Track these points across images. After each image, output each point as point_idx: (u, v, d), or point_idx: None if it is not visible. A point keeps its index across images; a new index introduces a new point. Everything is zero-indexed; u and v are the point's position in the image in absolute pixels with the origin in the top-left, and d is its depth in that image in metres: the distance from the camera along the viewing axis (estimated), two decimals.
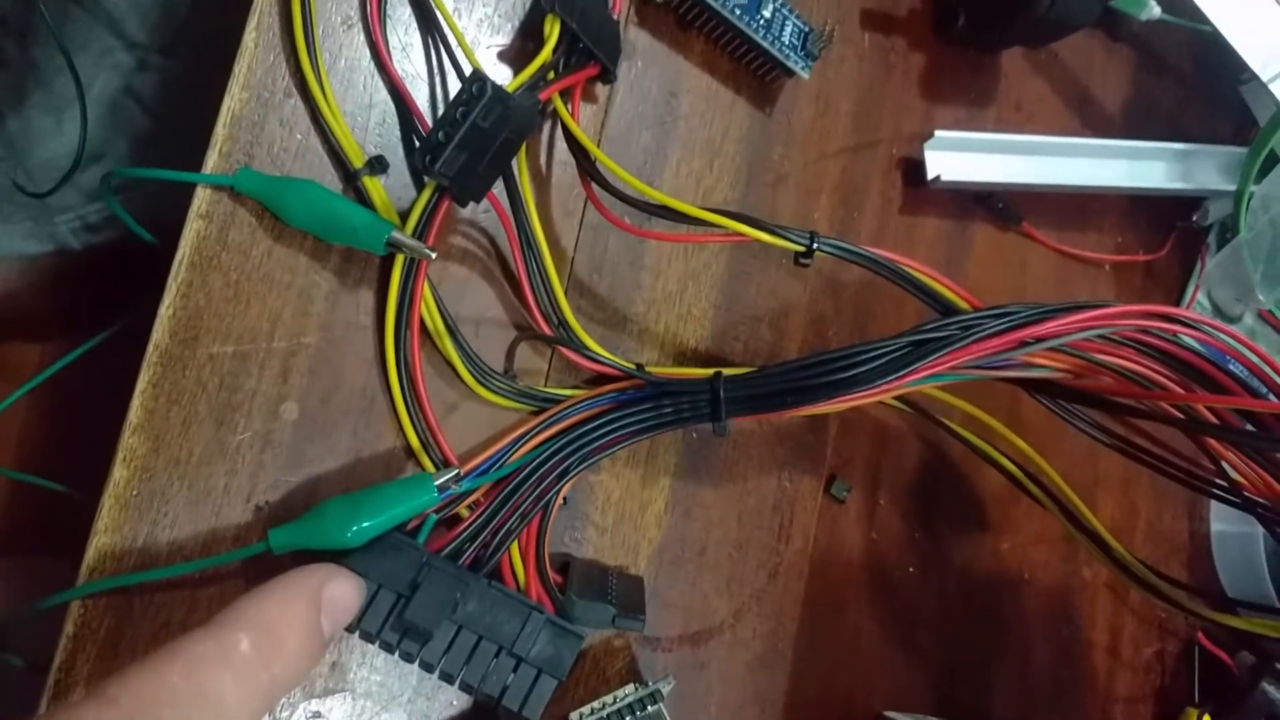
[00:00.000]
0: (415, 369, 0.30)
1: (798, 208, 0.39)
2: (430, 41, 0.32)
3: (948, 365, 0.30)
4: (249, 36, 0.29)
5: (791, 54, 0.37)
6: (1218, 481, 0.32)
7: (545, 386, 0.33)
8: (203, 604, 0.28)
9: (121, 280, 0.46)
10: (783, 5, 0.36)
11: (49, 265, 0.48)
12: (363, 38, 0.31)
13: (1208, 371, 0.30)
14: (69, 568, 0.26)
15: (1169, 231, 0.48)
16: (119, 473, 0.27)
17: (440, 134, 0.28)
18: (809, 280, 0.39)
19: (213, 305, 0.29)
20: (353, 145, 0.30)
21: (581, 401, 0.32)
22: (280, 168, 0.30)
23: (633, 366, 0.33)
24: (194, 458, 0.28)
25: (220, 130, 0.29)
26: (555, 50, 0.32)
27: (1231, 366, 0.31)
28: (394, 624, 0.27)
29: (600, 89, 0.36)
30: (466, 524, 0.29)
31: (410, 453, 0.31)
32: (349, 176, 0.30)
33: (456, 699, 0.31)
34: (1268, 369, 0.31)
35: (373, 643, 0.27)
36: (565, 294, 0.34)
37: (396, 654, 0.27)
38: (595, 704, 0.30)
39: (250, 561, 0.28)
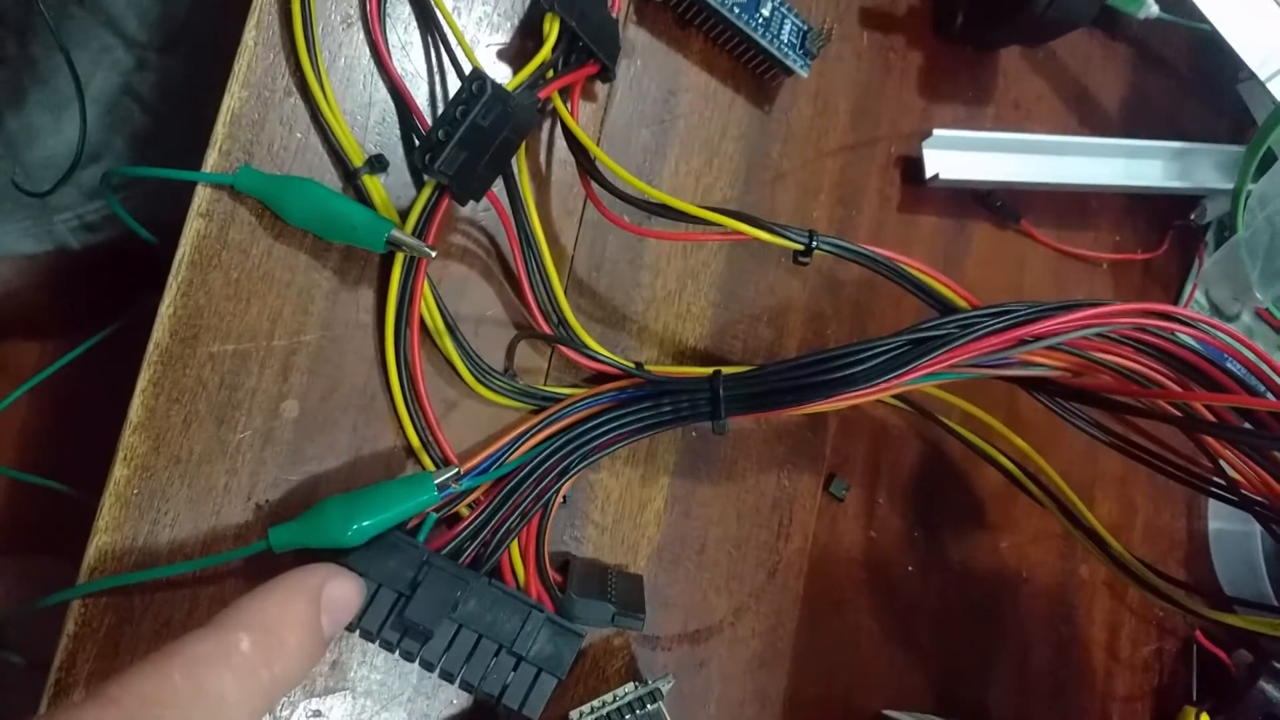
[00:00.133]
0: (415, 367, 0.30)
1: (796, 206, 0.39)
2: (430, 40, 0.32)
3: (946, 364, 0.30)
4: (249, 35, 0.29)
5: (790, 52, 0.37)
6: (1215, 480, 0.32)
7: (545, 385, 0.33)
8: (203, 602, 0.28)
9: (121, 279, 0.46)
10: (781, 3, 0.37)
11: (48, 264, 0.48)
12: (362, 36, 0.31)
13: (1206, 370, 0.30)
14: (69, 566, 0.27)
15: (1167, 230, 0.48)
16: (119, 471, 0.27)
17: (440, 132, 0.28)
18: (808, 278, 0.39)
19: (213, 304, 0.29)
20: (352, 144, 0.30)
21: (581, 400, 0.32)
22: (280, 166, 0.30)
23: (632, 365, 0.33)
24: (194, 456, 0.28)
25: (220, 129, 0.29)
26: (554, 49, 0.32)
27: (1229, 365, 0.31)
28: (394, 623, 0.27)
29: (599, 87, 0.36)
30: (466, 523, 0.29)
31: (410, 451, 0.31)
32: (349, 175, 0.30)
33: (456, 698, 0.31)
34: (1265, 367, 0.31)
35: (373, 641, 0.27)
36: (565, 292, 0.34)
37: (397, 653, 0.27)
38: (595, 702, 0.30)
39: (251, 560, 0.28)
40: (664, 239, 0.36)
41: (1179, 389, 0.31)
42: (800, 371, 0.30)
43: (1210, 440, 0.31)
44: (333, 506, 0.27)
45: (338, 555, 0.27)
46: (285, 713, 0.28)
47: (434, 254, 0.29)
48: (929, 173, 0.41)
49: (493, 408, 0.32)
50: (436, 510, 0.29)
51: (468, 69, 0.30)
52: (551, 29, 0.31)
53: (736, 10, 0.35)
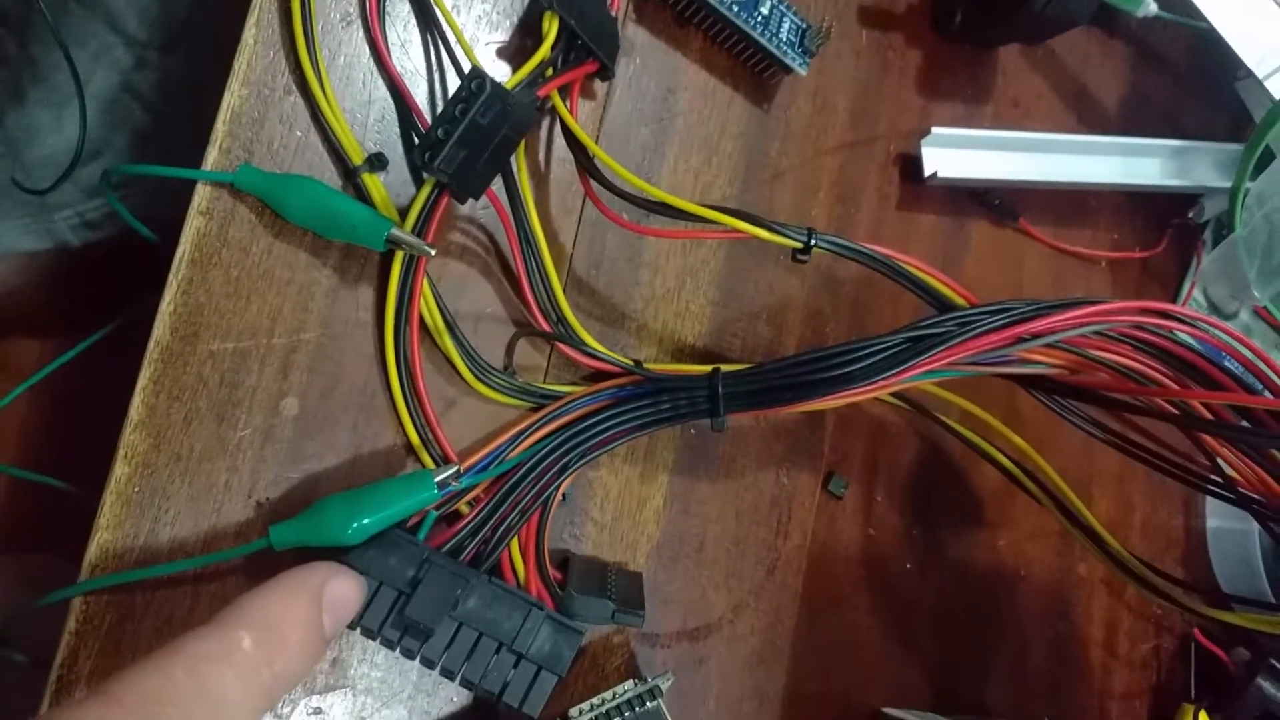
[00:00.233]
0: (415, 365, 0.30)
1: (795, 204, 0.39)
2: (429, 38, 0.32)
3: (945, 361, 0.30)
4: (249, 33, 0.29)
5: (789, 50, 0.37)
6: (1213, 478, 0.32)
7: (544, 383, 0.33)
8: (204, 600, 0.28)
9: (121, 277, 0.46)
10: (780, 1, 0.37)
11: (48, 262, 0.48)
12: (362, 34, 0.31)
13: (1203, 368, 0.30)
14: (71, 564, 0.27)
15: (1165, 228, 0.48)
16: (120, 469, 0.27)
17: (439, 131, 0.28)
18: (806, 276, 0.39)
19: (213, 302, 0.29)
20: (352, 142, 0.30)
21: (580, 398, 0.32)
22: (280, 164, 0.30)
23: (631, 363, 0.33)
24: (195, 454, 0.28)
25: (220, 127, 0.29)
26: (554, 47, 0.32)
27: (1227, 363, 0.31)
28: (395, 621, 0.27)
29: (598, 86, 0.36)
30: (466, 520, 0.29)
31: (410, 449, 0.31)
32: (348, 173, 0.30)
33: (457, 695, 0.31)
34: (1263, 365, 0.31)
35: (374, 639, 0.27)
36: (564, 290, 0.34)
37: (397, 650, 0.27)
38: (594, 700, 0.31)
39: (251, 558, 0.28)
40: (663, 237, 0.36)
41: (1177, 387, 0.31)
42: (799, 369, 0.30)
43: (1208, 438, 0.31)
44: (333, 504, 0.27)
45: (338, 553, 0.27)
46: (286, 710, 0.29)
47: (433, 252, 0.29)
48: (928, 171, 0.41)
49: (492, 405, 0.32)
50: (436, 508, 0.29)
51: (467, 67, 0.30)
52: (550, 27, 0.31)
53: (735, 8, 0.35)
